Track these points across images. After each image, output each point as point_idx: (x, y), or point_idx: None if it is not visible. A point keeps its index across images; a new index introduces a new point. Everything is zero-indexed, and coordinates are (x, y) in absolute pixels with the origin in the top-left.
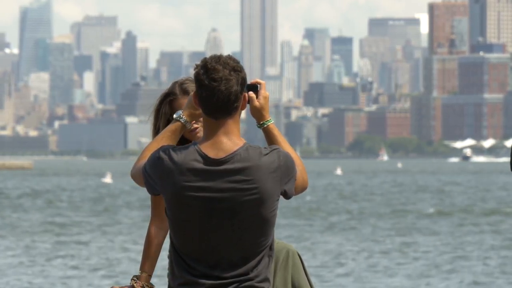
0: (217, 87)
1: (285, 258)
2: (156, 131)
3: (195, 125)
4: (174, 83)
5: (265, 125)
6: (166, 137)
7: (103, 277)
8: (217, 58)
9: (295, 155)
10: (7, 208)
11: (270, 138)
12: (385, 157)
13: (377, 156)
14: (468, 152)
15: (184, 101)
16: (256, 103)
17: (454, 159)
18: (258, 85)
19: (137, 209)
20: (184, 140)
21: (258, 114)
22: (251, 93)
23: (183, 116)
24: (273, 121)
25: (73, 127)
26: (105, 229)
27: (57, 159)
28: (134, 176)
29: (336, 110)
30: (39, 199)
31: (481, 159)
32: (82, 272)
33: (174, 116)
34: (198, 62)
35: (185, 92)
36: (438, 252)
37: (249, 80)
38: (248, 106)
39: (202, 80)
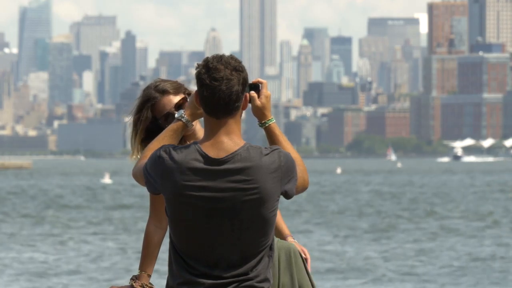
0: (218, 87)
1: (288, 257)
2: (136, 138)
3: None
4: (148, 89)
5: (267, 124)
6: (168, 137)
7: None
8: (219, 58)
9: (296, 154)
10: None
11: (271, 137)
12: (393, 157)
13: (384, 156)
14: (459, 151)
15: (166, 100)
16: (258, 102)
17: (445, 159)
18: (260, 85)
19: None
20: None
21: (259, 113)
22: (253, 93)
23: (185, 116)
24: (274, 120)
25: (72, 127)
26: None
27: (56, 159)
28: (135, 175)
29: (335, 110)
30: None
31: (472, 158)
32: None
33: (176, 115)
34: (200, 62)
35: (163, 92)
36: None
37: (251, 80)
38: (249, 105)
39: (203, 80)
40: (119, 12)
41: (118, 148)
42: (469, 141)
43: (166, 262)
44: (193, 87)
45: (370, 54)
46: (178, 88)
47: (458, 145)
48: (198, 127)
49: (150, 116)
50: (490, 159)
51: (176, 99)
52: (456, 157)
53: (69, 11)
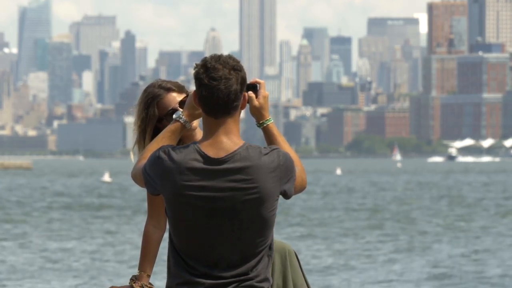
0: (217, 86)
1: (283, 257)
2: (144, 137)
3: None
4: (151, 88)
5: (265, 125)
6: (166, 138)
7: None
8: (217, 57)
9: (294, 154)
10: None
11: (269, 138)
12: (398, 157)
13: (385, 156)
14: (453, 151)
15: (170, 97)
16: (256, 102)
17: (438, 158)
18: (258, 85)
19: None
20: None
21: (257, 113)
22: (251, 93)
23: (183, 116)
24: (272, 121)
25: (72, 127)
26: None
27: (56, 159)
28: (134, 176)
29: (335, 109)
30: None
31: (468, 158)
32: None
33: (174, 116)
34: (198, 62)
35: (168, 89)
36: None
37: (249, 80)
38: (247, 105)
39: (202, 79)
40: (119, 12)
41: (117, 148)
42: (468, 141)
43: (165, 263)
44: (193, 87)
45: (369, 54)
46: (181, 87)
47: (457, 145)
48: (197, 129)
49: (157, 114)
50: (488, 159)
51: (180, 97)
52: (451, 157)
53: (69, 11)
